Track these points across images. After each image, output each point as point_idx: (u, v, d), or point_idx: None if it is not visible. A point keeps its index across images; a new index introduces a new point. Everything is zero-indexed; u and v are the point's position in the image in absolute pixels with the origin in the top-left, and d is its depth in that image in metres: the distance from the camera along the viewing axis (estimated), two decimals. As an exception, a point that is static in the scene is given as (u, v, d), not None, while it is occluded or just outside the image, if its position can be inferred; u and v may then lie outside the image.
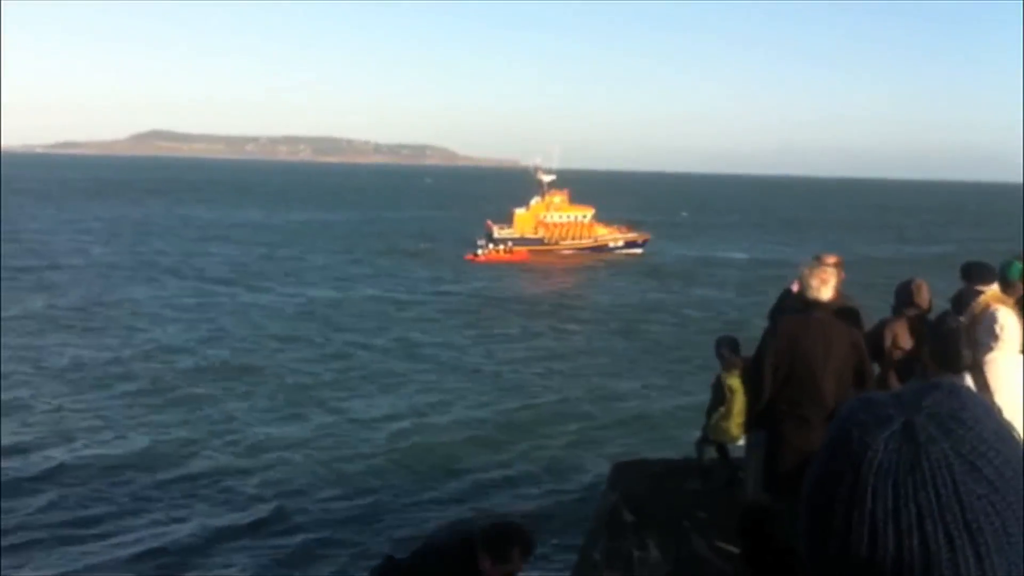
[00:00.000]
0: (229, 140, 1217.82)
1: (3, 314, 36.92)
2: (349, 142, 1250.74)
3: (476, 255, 66.11)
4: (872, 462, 1.12)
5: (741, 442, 9.35)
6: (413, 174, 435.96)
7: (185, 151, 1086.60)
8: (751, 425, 8.71)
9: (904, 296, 8.64)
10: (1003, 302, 6.21)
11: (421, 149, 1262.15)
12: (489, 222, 71.03)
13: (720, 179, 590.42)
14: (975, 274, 8.44)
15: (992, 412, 1.18)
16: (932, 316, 8.62)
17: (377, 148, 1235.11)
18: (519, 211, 72.18)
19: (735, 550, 7.68)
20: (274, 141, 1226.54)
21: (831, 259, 8.70)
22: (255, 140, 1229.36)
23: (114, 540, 17.21)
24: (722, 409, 9.77)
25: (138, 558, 16.44)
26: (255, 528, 17.91)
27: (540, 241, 69.85)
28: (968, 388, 1.25)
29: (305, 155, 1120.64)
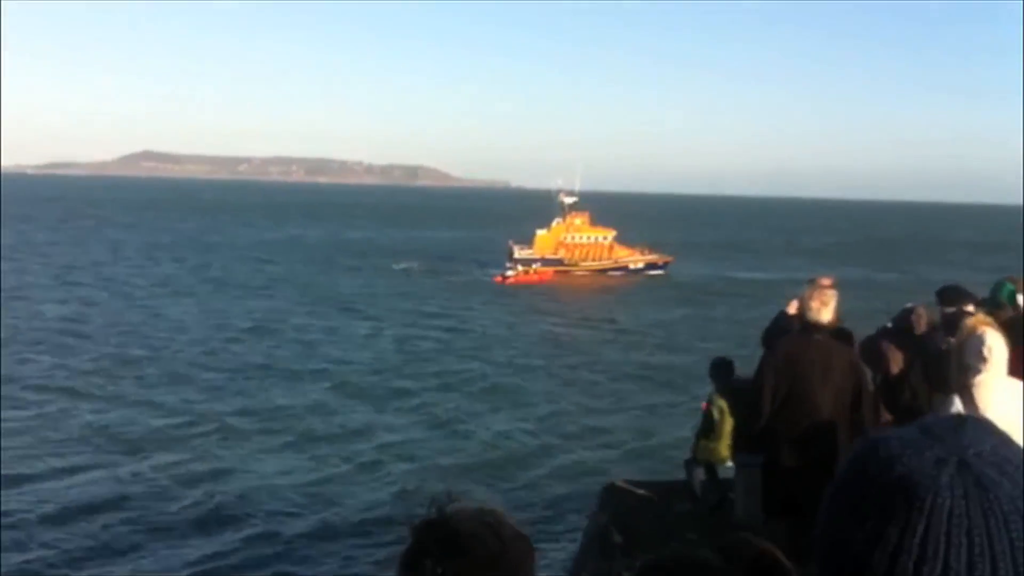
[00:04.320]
0: (220, 160, 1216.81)
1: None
2: (341, 163, 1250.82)
3: (505, 277, 66.12)
4: (943, 508, 1.08)
5: (730, 463, 9.36)
6: (406, 194, 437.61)
7: (176, 172, 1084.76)
8: (740, 446, 8.74)
9: (903, 323, 8.70)
10: (990, 324, 6.22)
11: (413, 170, 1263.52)
12: (511, 243, 71.11)
13: (742, 201, 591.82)
14: (949, 297, 8.54)
15: (1015, 442, 1.17)
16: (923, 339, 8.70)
17: (369, 169, 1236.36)
18: (540, 232, 72.32)
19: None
20: (266, 162, 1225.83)
21: (827, 281, 8.73)
22: (247, 161, 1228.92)
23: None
24: (712, 430, 9.79)
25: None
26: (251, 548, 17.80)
27: (560, 262, 69.89)
28: (986, 418, 1.22)
29: (297, 176, 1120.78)
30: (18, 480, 20.48)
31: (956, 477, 1.09)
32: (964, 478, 1.09)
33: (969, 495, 1.08)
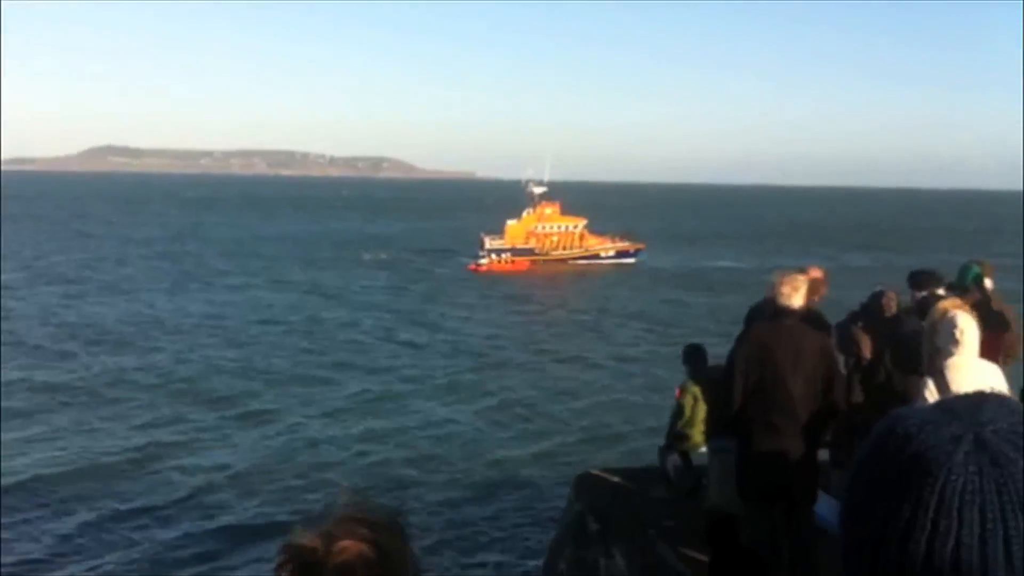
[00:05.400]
0: (182, 154, 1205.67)
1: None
2: (304, 155, 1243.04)
3: (478, 265, 66.83)
4: (956, 486, 1.08)
5: (704, 449, 9.42)
6: (371, 186, 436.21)
7: (138, 166, 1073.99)
8: (713, 432, 8.80)
9: (874, 307, 8.81)
10: (961, 307, 6.30)
11: (378, 161, 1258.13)
12: (482, 233, 71.28)
13: (715, 189, 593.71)
14: (920, 281, 8.65)
15: None
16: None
17: (333, 161, 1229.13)
18: (511, 222, 72.57)
19: (701, 557, 7.74)
20: (228, 155, 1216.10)
21: (816, 272, 8.78)
22: (209, 154, 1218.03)
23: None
24: (685, 416, 9.84)
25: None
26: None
27: (531, 251, 70.32)
28: (1008, 395, 1.22)
29: (260, 168, 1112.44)
30: (20, 478, 20.42)
31: (971, 454, 1.10)
32: (979, 455, 1.09)
33: (984, 472, 1.08)
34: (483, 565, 16.56)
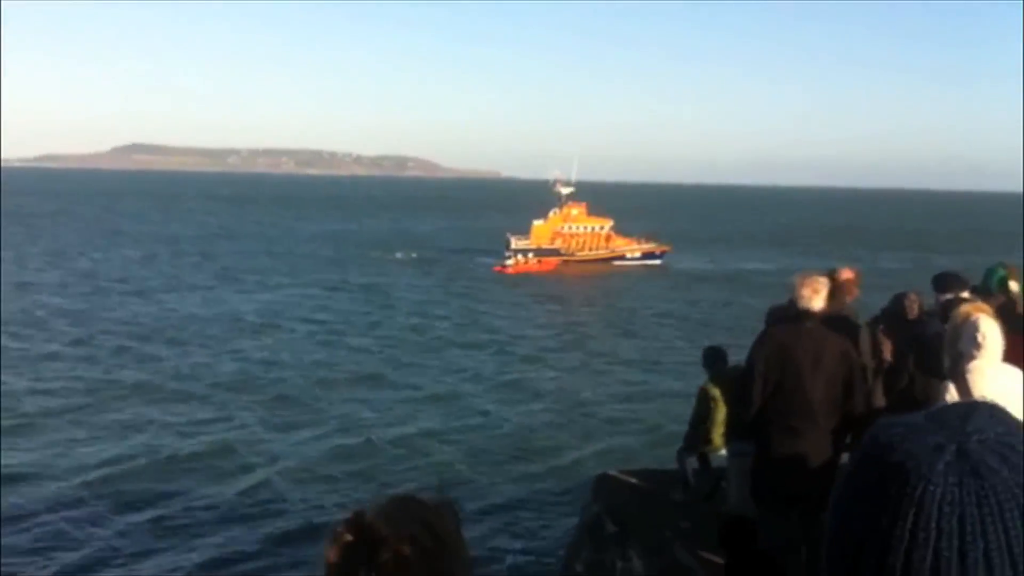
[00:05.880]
0: (210, 152, 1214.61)
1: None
2: (331, 154, 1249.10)
3: (504, 266, 66.74)
4: (934, 496, 1.06)
5: (723, 452, 9.34)
6: (397, 185, 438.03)
7: (166, 164, 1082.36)
8: (733, 435, 8.72)
9: (896, 309, 8.70)
10: (983, 310, 6.21)
11: (403, 160, 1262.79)
12: (508, 233, 71.41)
13: (737, 189, 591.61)
14: (944, 284, 8.54)
15: None
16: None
17: (358, 160, 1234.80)
18: (537, 223, 72.60)
19: (718, 560, 7.67)
20: (255, 153, 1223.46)
21: (848, 273, 8.68)
22: (236, 152, 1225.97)
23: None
24: (705, 419, 9.77)
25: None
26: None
27: (557, 252, 70.30)
28: (1002, 407, 1.18)
29: (287, 167, 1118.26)
30: (23, 477, 20.42)
31: (953, 464, 1.07)
32: (961, 465, 1.07)
33: (964, 482, 1.06)
34: (499, 560, 16.56)
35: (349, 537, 1.67)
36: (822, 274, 7.71)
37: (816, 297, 6.95)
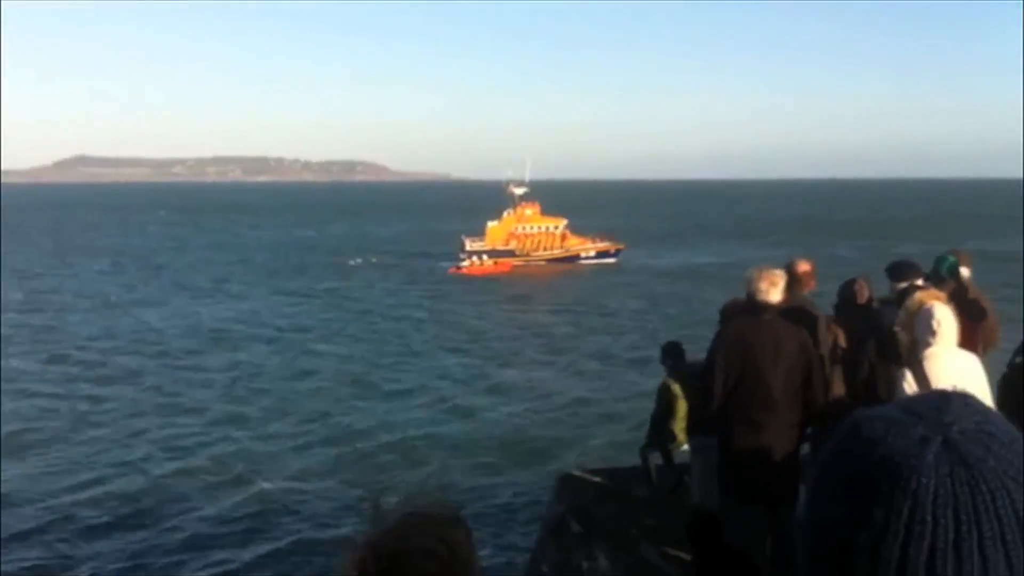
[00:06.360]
0: (157, 163, 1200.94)
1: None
2: (278, 160, 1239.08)
3: (459, 267, 67.00)
4: (928, 488, 1.06)
5: (686, 447, 9.36)
6: (347, 190, 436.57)
7: (113, 176, 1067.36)
8: (695, 429, 8.75)
9: (847, 295, 8.79)
10: (938, 298, 6.29)
11: (352, 165, 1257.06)
12: (463, 236, 71.54)
13: (695, 185, 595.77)
14: (898, 272, 8.64)
15: (1002, 417, 1.15)
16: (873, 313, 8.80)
17: (307, 166, 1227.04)
18: (491, 224, 72.80)
19: (685, 556, 7.68)
20: (202, 162, 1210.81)
21: (804, 265, 8.73)
22: (183, 162, 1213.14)
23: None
24: (667, 414, 9.78)
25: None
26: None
27: (512, 253, 70.50)
28: (970, 394, 1.18)
29: (235, 175, 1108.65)
30: (23, 491, 20.33)
31: (941, 456, 1.07)
32: (949, 456, 1.07)
33: (955, 473, 1.06)
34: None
35: (366, 555, 1.67)
36: (778, 267, 7.75)
37: (774, 290, 6.98)
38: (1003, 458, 1.07)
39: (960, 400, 1.14)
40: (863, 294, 8.73)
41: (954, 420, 1.11)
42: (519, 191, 73.94)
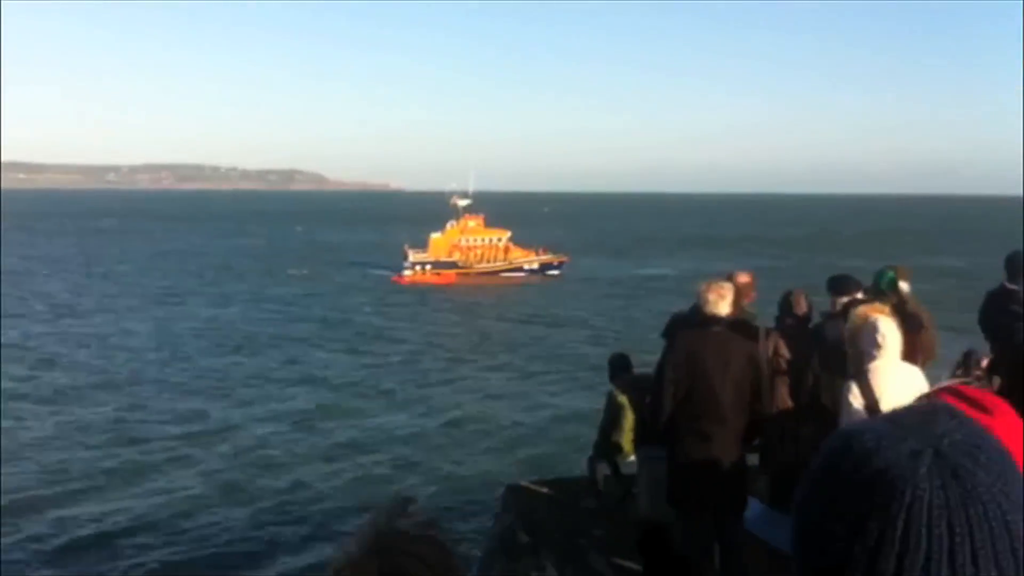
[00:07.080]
0: (88, 169, 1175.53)
1: None
2: (213, 168, 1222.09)
3: (402, 276, 66.88)
4: (923, 501, 1.09)
5: (632, 458, 9.45)
6: (284, 199, 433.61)
7: (43, 182, 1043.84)
8: (642, 440, 8.85)
9: (785, 307, 8.99)
10: (882, 311, 6.45)
11: (289, 174, 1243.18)
12: (406, 246, 71.17)
13: (641, 197, 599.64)
14: (840, 286, 8.85)
15: (987, 429, 1.19)
16: (812, 325, 9.00)
17: (244, 174, 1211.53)
18: (434, 235, 72.48)
19: (634, 566, 7.76)
20: (134, 169, 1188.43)
21: (744, 277, 8.88)
22: (115, 169, 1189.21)
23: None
24: (613, 425, 9.86)
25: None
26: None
27: (455, 264, 70.31)
28: (955, 407, 1.23)
29: (167, 183, 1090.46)
30: (23, 505, 20.08)
31: (933, 468, 1.10)
32: (941, 468, 1.10)
33: (947, 485, 1.09)
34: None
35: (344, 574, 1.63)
36: (724, 279, 7.90)
37: (722, 302, 7.10)
38: (992, 470, 1.11)
39: (946, 413, 1.17)
40: (800, 305, 8.94)
41: (944, 433, 1.14)
42: (463, 203, 73.90)
